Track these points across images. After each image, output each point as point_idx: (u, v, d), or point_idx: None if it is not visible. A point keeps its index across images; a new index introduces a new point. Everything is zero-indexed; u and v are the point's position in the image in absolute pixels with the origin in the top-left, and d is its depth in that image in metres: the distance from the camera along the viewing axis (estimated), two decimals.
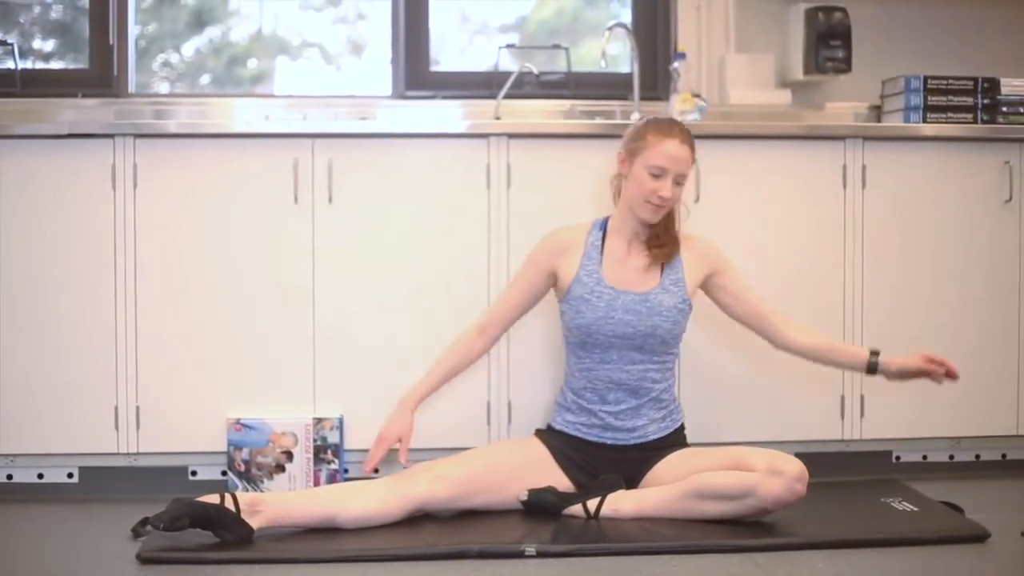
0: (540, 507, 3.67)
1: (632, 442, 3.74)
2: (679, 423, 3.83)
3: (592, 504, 3.63)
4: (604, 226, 3.83)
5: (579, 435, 3.77)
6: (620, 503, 3.63)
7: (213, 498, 3.40)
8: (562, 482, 3.73)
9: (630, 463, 3.73)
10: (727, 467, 3.56)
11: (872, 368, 3.77)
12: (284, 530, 3.48)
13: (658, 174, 3.65)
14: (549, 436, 3.82)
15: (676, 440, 3.80)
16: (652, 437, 3.75)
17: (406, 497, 3.56)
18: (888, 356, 3.76)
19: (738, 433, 3.87)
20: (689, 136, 3.70)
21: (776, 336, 3.83)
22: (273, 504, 3.48)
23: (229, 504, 3.39)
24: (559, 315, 3.83)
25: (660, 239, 3.77)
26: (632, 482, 3.72)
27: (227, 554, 3.29)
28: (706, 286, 3.83)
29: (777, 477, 3.44)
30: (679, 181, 3.68)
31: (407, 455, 3.69)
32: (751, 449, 3.61)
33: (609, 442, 3.75)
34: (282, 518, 3.47)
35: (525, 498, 3.67)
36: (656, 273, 3.76)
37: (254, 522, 3.40)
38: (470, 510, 3.67)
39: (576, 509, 3.64)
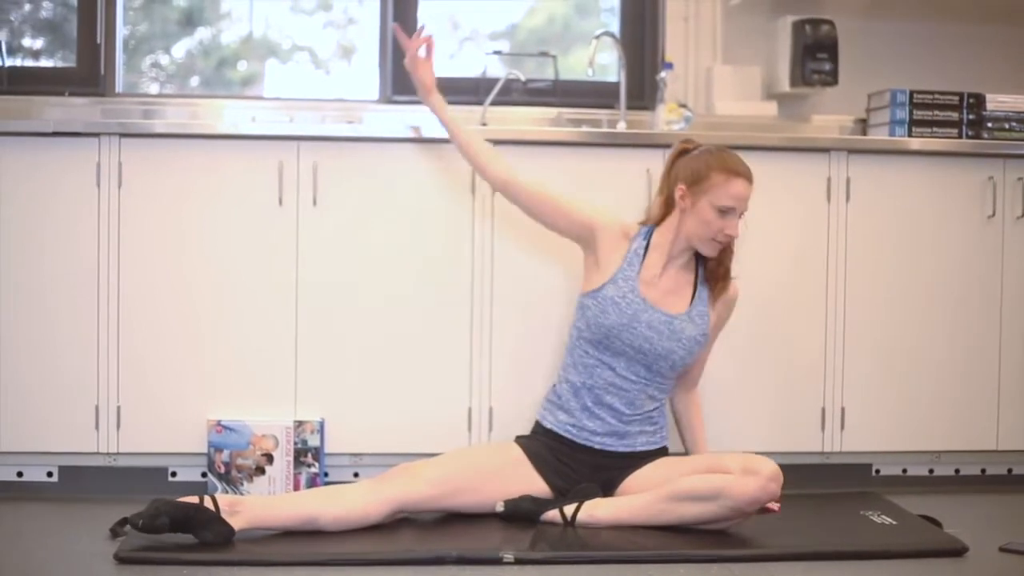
0: (518, 516, 3.67)
1: (620, 449, 3.74)
2: (664, 442, 3.85)
3: (569, 510, 3.63)
4: (648, 236, 3.81)
5: (568, 436, 3.77)
6: (596, 509, 3.64)
7: (192, 499, 3.39)
8: (539, 486, 3.73)
9: (609, 470, 3.73)
10: (703, 472, 3.57)
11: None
12: (263, 532, 3.48)
13: (726, 211, 3.66)
14: (530, 441, 3.81)
15: (659, 456, 3.81)
16: (640, 448, 3.76)
17: (385, 497, 3.55)
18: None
19: (717, 443, 3.87)
20: (750, 172, 3.71)
21: (676, 390, 3.94)
22: (252, 506, 3.48)
23: (209, 505, 3.39)
24: (577, 307, 3.81)
25: (715, 273, 3.80)
26: (607, 489, 3.72)
27: (204, 555, 3.28)
28: None
29: (751, 476, 3.46)
30: (741, 214, 3.71)
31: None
32: (726, 453, 3.65)
33: (596, 446, 3.75)
34: (262, 520, 3.47)
35: (502, 509, 3.68)
36: (685, 299, 3.77)
37: (234, 523, 3.40)
38: (449, 512, 3.68)
39: (553, 515, 3.64)
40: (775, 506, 3.57)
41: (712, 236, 3.68)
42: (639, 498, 3.62)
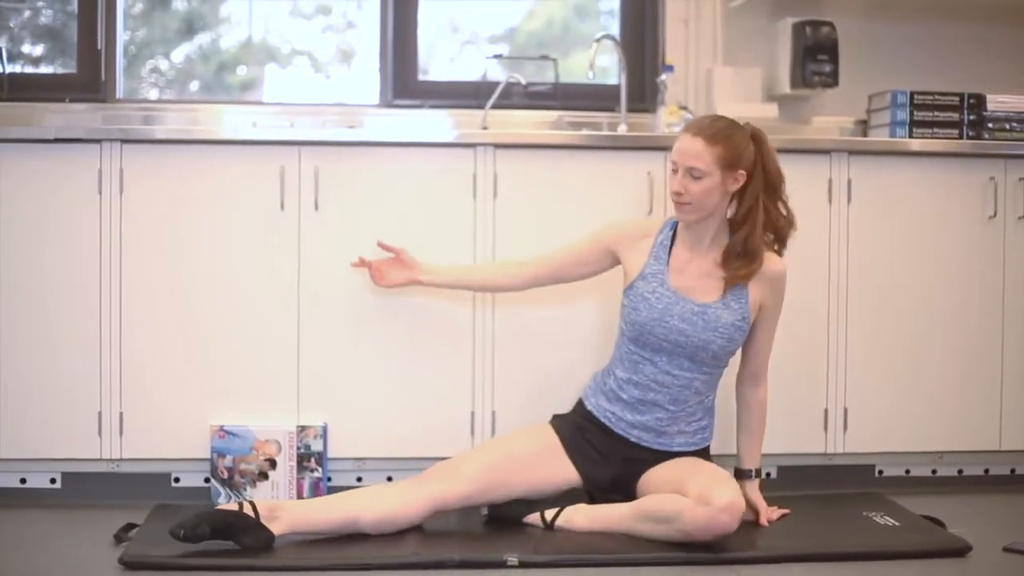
0: (501, 519, 3.70)
1: (655, 447, 3.70)
2: (706, 443, 3.77)
3: (549, 514, 3.65)
4: (674, 227, 3.75)
5: (606, 422, 3.73)
6: (576, 515, 3.64)
7: (232, 506, 3.42)
8: (569, 473, 3.71)
9: (640, 464, 3.69)
10: (674, 488, 3.51)
11: (738, 475, 3.78)
12: (303, 536, 3.48)
13: (674, 169, 3.60)
14: (565, 423, 3.79)
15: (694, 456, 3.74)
16: (676, 449, 3.70)
17: (424, 496, 3.55)
18: (756, 492, 3.80)
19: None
20: (710, 130, 3.57)
21: (740, 382, 3.84)
22: (292, 510, 3.49)
23: (248, 512, 3.41)
24: (619, 306, 3.79)
25: (729, 252, 3.67)
26: (629, 480, 3.70)
27: (207, 560, 3.28)
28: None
29: (703, 507, 3.36)
30: (694, 175, 3.56)
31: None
32: (702, 473, 3.54)
33: (633, 439, 3.71)
34: (302, 524, 3.47)
35: (486, 512, 3.72)
36: (718, 284, 3.67)
37: (274, 528, 3.41)
38: (487, 505, 3.71)
39: (534, 518, 3.67)
40: (770, 517, 3.58)
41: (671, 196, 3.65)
42: (615, 509, 3.60)
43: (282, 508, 3.48)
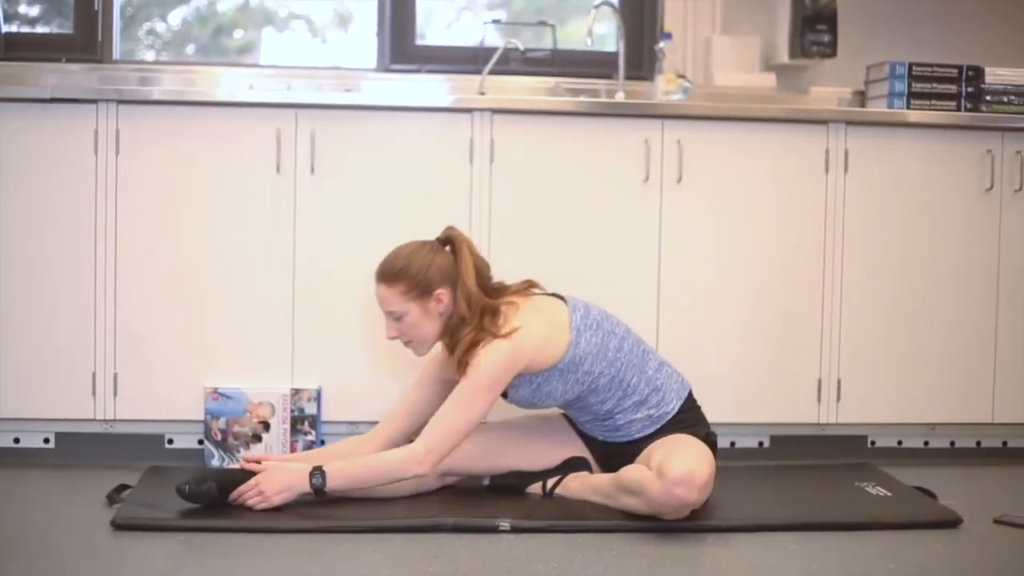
0: (504, 488, 3.69)
1: (621, 439, 3.65)
2: (668, 417, 3.62)
3: (551, 483, 3.66)
4: None
5: (579, 427, 3.75)
6: (572, 482, 3.65)
7: (236, 467, 3.48)
8: (580, 447, 3.74)
9: (623, 457, 3.61)
10: (644, 460, 3.49)
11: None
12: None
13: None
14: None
15: (670, 431, 3.63)
16: (637, 435, 3.62)
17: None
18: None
19: (714, 414, 3.85)
20: (388, 272, 3.52)
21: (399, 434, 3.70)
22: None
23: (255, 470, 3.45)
24: None
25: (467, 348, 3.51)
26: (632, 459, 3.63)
27: (199, 522, 3.29)
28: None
29: (659, 479, 3.29)
30: (395, 317, 3.53)
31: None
32: (668, 445, 3.48)
33: (599, 437, 3.70)
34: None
35: (488, 483, 3.72)
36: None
37: None
38: (499, 470, 3.71)
39: (536, 487, 3.68)
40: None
41: None
42: (603, 478, 3.58)
43: (287, 464, 3.49)
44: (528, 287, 3.66)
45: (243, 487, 3.40)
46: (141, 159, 4.01)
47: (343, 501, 3.47)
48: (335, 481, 3.41)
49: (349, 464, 3.48)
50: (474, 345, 3.47)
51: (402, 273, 3.51)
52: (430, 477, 3.53)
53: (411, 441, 3.55)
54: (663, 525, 3.33)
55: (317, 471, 3.40)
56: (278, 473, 3.43)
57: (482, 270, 3.58)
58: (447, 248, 3.59)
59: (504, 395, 3.60)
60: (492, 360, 3.44)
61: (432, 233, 3.80)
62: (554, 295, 3.67)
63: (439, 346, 3.63)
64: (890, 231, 4.29)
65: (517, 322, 3.49)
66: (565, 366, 3.51)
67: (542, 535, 3.29)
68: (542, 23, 5.12)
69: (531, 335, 3.48)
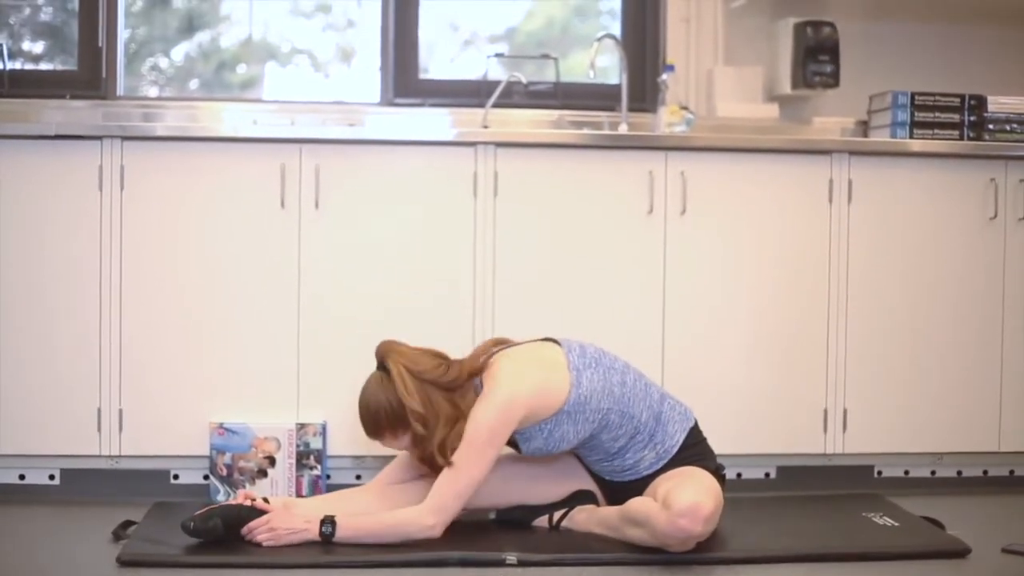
0: (511, 521, 3.69)
1: (629, 478, 3.63)
2: (674, 450, 3.59)
3: (557, 515, 3.66)
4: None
5: (586, 464, 3.73)
6: (578, 515, 3.65)
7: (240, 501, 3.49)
8: (588, 480, 3.73)
9: (628, 492, 3.58)
10: (651, 492, 3.48)
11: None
12: None
13: None
14: None
15: (678, 465, 3.61)
16: (645, 473, 3.60)
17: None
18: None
19: (719, 445, 3.84)
20: (370, 429, 3.53)
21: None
22: (308, 508, 3.54)
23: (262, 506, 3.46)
24: None
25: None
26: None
27: (206, 558, 3.28)
28: None
29: (664, 511, 3.30)
30: (400, 447, 3.56)
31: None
32: (675, 477, 3.48)
33: (606, 477, 3.68)
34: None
35: (494, 516, 3.72)
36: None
37: None
38: (509, 504, 3.71)
39: (543, 520, 3.68)
40: None
41: None
42: (610, 512, 3.57)
43: (297, 505, 3.54)
44: (496, 344, 3.65)
45: (255, 523, 3.40)
46: (146, 195, 4.01)
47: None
48: (344, 532, 3.42)
49: (360, 519, 3.48)
50: (444, 446, 3.45)
51: (378, 424, 3.52)
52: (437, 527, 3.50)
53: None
54: (670, 557, 3.32)
55: (328, 521, 3.41)
56: (290, 515, 3.46)
57: (425, 369, 3.52)
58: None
59: (517, 448, 3.60)
60: (485, 416, 3.43)
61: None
62: (547, 339, 3.66)
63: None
64: (894, 261, 4.28)
65: (504, 376, 3.48)
66: (571, 407, 3.50)
67: (549, 568, 3.29)
68: (545, 56, 5.13)
69: (522, 383, 3.47)
